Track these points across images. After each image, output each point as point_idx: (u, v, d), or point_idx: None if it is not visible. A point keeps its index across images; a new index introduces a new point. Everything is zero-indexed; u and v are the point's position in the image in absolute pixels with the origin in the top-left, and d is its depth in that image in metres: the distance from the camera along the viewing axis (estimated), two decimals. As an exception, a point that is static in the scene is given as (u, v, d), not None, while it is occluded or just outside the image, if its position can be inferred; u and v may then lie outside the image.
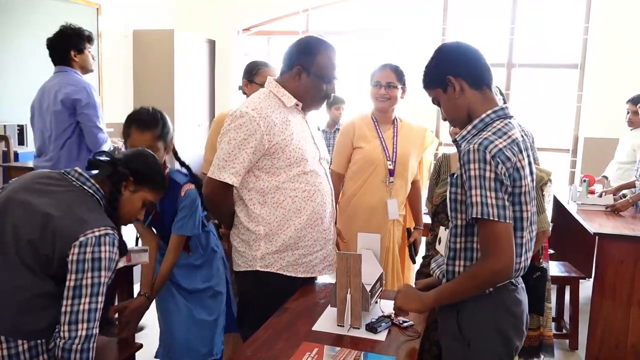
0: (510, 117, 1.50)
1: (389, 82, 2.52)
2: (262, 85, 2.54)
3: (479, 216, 1.36)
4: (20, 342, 1.48)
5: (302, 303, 1.96)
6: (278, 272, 2.01)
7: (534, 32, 6.24)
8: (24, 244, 1.48)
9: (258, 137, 1.92)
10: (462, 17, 6.37)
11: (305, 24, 6.87)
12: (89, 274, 1.46)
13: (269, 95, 2.04)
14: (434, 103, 1.62)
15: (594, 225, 2.98)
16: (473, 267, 1.45)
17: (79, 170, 1.63)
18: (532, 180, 1.50)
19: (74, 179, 1.60)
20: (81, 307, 1.45)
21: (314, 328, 1.73)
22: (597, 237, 2.82)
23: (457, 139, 1.54)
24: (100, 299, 1.48)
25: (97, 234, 1.49)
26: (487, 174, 1.37)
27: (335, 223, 2.21)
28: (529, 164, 1.49)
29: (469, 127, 1.51)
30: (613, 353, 2.82)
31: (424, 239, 2.60)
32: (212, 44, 6.90)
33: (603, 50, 5.85)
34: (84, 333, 1.44)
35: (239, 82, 2.78)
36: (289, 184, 1.98)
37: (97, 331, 1.48)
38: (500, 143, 1.40)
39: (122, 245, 1.59)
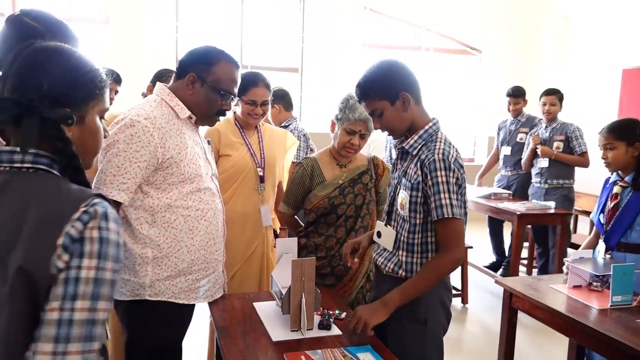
0: (440, 127, 1.81)
1: (265, 100, 2.50)
2: None
3: (449, 216, 1.64)
4: None
5: (229, 318, 1.89)
6: (170, 300, 1.85)
7: (261, 37, 6.81)
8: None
9: (152, 149, 1.74)
10: (195, 16, 6.46)
11: (11, 6, 5.79)
12: (93, 263, 0.94)
13: (161, 104, 1.85)
14: (374, 115, 1.79)
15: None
16: (435, 262, 1.70)
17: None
18: None
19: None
20: (76, 316, 0.91)
21: (275, 339, 1.72)
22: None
23: (405, 147, 1.78)
24: (104, 305, 0.95)
25: (99, 205, 0.97)
26: (451, 179, 1.65)
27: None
28: None
29: (415, 137, 1.76)
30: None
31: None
32: None
33: (315, 57, 6.87)
34: (77, 359, 0.91)
35: None
36: (182, 202, 1.83)
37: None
38: (454, 152, 1.71)
39: None
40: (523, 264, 5.10)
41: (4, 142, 1.10)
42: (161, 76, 2.46)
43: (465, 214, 1.75)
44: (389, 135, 1.83)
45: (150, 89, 2.41)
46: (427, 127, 1.77)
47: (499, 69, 7.62)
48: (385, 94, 1.74)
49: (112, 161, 1.72)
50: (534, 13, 7.66)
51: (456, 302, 4.41)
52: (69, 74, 1.04)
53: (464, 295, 4.36)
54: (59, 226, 0.94)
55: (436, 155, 1.67)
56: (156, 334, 1.86)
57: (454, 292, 4.29)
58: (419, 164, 1.72)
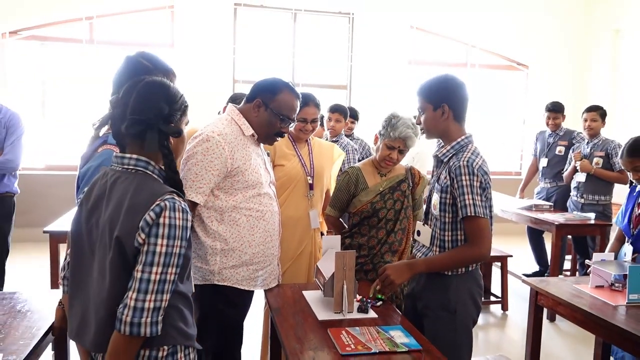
0: (473, 142, 2.08)
1: (314, 118, 2.83)
2: None
3: (472, 214, 1.91)
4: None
5: (282, 302, 2.22)
6: (234, 285, 2.21)
7: (312, 56, 7.21)
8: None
9: (223, 160, 2.12)
10: (250, 38, 6.94)
11: (89, 32, 6.45)
12: (164, 242, 1.37)
13: (231, 122, 2.23)
14: (419, 110, 2.10)
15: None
16: (462, 248, 1.99)
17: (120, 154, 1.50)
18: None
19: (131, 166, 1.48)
20: (152, 277, 1.35)
21: (320, 319, 2.04)
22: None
23: (438, 155, 2.08)
24: (172, 270, 1.38)
25: (168, 200, 1.39)
26: (475, 183, 1.93)
27: None
28: None
29: (448, 147, 2.05)
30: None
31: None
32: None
33: (363, 74, 7.19)
34: (151, 305, 1.35)
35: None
36: (245, 204, 2.20)
37: (166, 304, 1.39)
38: (479, 161, 1.98)
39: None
40: (566, 275, 5.19)
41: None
42: (235, 99, 2.85)
43: (491, 217, 2.02)
44: (423, 133, 2.14)
45: (225, 109, 2.83)
46: (459, 139, 2.04)
47: (547, 83, 7.70)
48: (431, 99, 2.04)
49: (191, 169, 2.10)
50: (584, 27, 7.71)
51: (496, 308, 4.59)
52: (172, 99, 1.50)
53: (504, 302, 4.52)
54: (141, 213, 1.38)
55: (462, 162, 1.95)
56: (222, 313, 2.22)
57: (494, 299, 4.53)
58: (448, 170, 2.01)
